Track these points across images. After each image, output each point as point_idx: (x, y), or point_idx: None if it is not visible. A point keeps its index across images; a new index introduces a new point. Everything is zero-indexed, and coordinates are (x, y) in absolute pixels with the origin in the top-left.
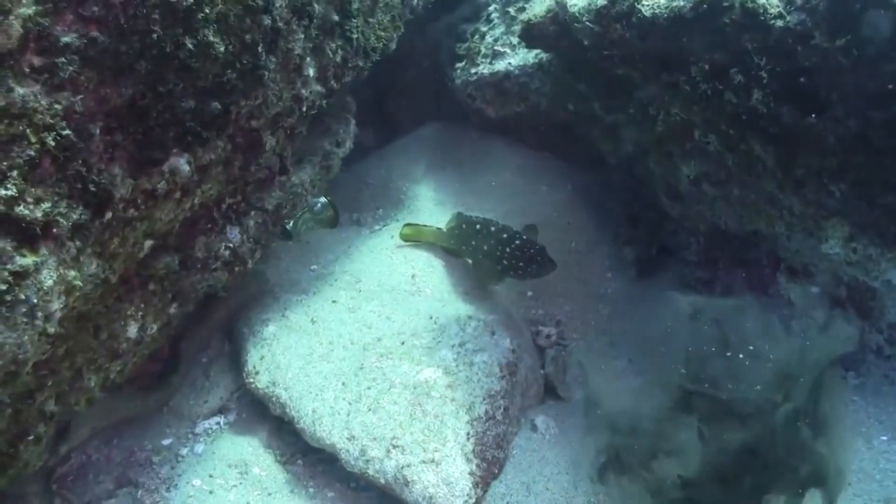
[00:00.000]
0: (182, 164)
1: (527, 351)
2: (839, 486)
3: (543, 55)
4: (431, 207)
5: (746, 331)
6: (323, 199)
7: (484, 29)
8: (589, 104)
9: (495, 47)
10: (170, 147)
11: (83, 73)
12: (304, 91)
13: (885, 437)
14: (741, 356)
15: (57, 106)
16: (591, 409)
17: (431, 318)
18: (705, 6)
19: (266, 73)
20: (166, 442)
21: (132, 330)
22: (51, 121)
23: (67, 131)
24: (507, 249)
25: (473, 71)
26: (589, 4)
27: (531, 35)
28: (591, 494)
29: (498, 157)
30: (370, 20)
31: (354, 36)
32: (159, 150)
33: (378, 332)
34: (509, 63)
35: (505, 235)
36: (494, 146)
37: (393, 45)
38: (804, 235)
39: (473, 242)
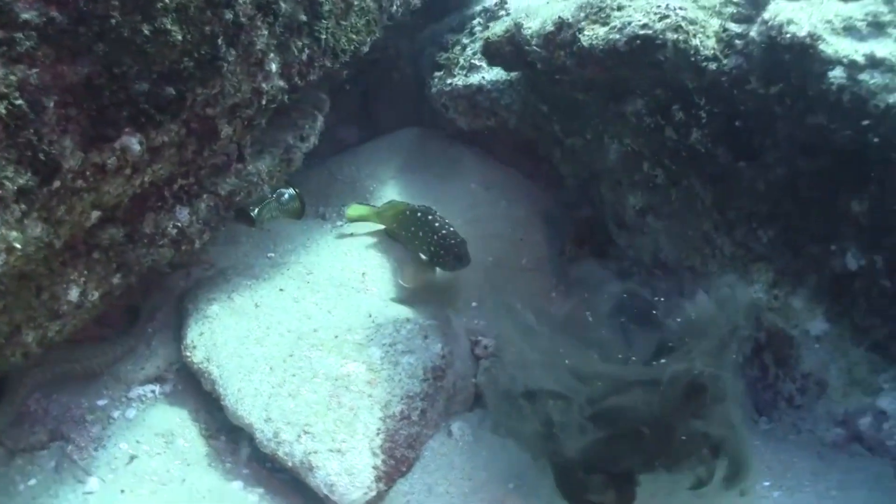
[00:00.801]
0: (133, 143)
1: (460, 358)
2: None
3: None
4: None
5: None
6: (291, 191)
7: (465, 41)
8: (551, 125)
9: (472, 60)
10: (122, 126)
11: (41, 49)
12: (264, 85)
13: (767, 483)
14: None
15: (12, 77)
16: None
17: (370, 316)
18: (639, 42)
19: (225, 64)
20: (101, 402)
21: (73, 294)
22: (5, 90)
23: (20, 101)
24: (435, 237)
25: (449, 81)
26: (540, 28)
27: (490, 53)
28: (487, 502)
29: (465, 167)
30: (342, 23)
31: (323, 36)
32: (111, 128)
33: (315, 324)
34: (483, 77)
35: (436, 224)
36: (463, 156)
37: (366, 48)
38: (734, 277)
39: (412, 229)
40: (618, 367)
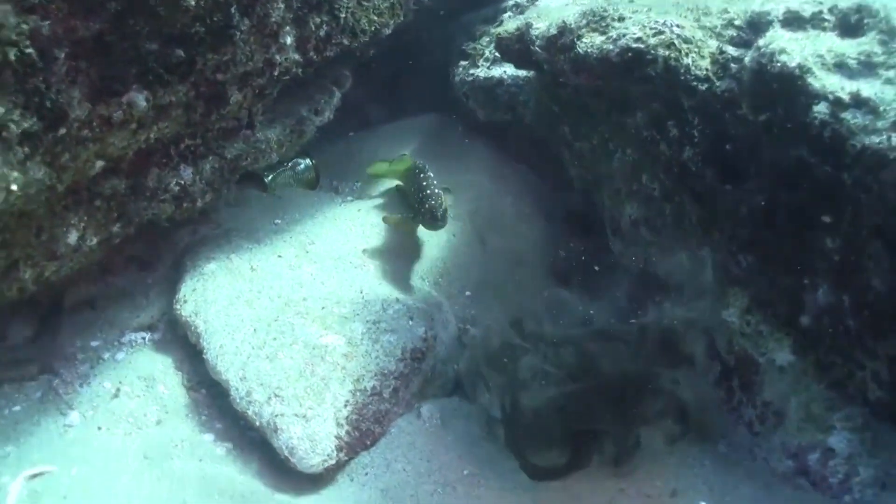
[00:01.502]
0: (140, 99)
1: (445, 344)
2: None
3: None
4: None
5: None
6: (308, 161)
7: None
8: (561, 126)
9: (496, 53)
10: (130, 82)
11: (54, 2)
12: (278, 57)
13: None
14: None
15: (24, 26)
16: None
17: (361, 292)
18: (630, 55)
19: (237, 33)
20: (94, 343)
21: (72, 237)
22: (15, 38)
23: (31, 50)
24: (420, 195)
25: (472, 72)
26: (546, 30)
27: (501, 49)
28: (440, 484)
29: (478, 158)
30: (364, 3)
31: (342, 15)
32: (119, 83)
33: (306, 293)
34: (505, 71)
35: (424, 183)
36: (477, 147)
37: (388, 31)
38: (712, 298)
39: (408, 183)
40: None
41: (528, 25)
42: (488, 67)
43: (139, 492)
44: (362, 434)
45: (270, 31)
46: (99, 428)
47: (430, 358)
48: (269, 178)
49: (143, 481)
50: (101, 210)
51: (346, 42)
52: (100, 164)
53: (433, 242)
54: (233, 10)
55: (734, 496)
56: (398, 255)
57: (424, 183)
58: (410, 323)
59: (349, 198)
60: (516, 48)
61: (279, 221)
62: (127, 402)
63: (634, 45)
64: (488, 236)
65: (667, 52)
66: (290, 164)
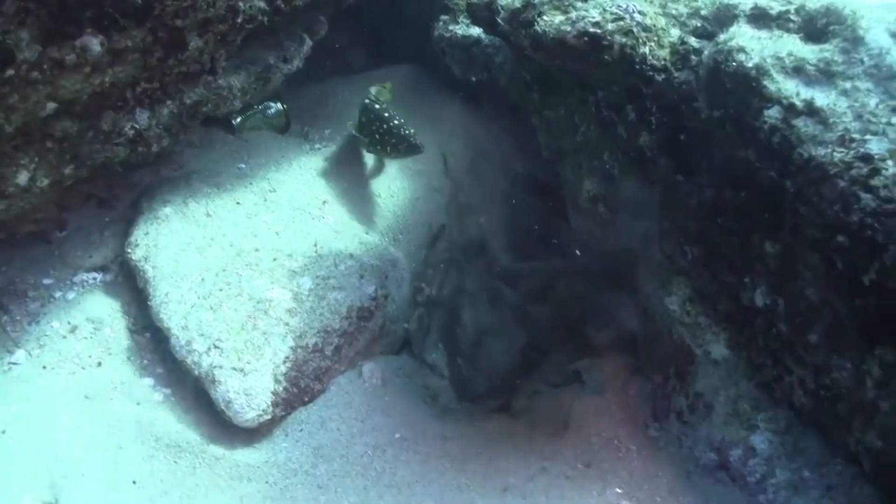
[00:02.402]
0: (94, 43)
1: (396, 303)
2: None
3: None
4: None
5: None
6: (279, 106)
7: None
8: (532, 93)
9: None
10: (84, 26)
11: None
12: (241, 4)
13: (619, 490)
14: None
15: None
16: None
17: (316, 245)
18: (586, 39)
19: None
20: (47, 282)
21: (22, 178)
22: None
23: None
24: (380, 124)
25: (451, 28)
26: (511, 2)
27: (471, 13)
28: (370, 446)
29: (450, 115)
30: None
31: None
32: (73, 27)
33: (259, 243)
34: (483, 31)
35: (386, 115)
36: (452, 104)
37: None
38: (657, 285)
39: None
40: None
41: None
42: (468, 25)
43: (78, 432)
44: (301, 390)
45: None
46: (44, 367)
47: (379, 317)
48: (238, 120)
49: (83, 421)
50: (53, 152)
51: None
52: (52, 106)
53: (396, 197)
54: None
55: (652, 485)
56: (359, 209)
57: (386, 115)
58: (361, 281)
59: (317, 145)
60: (484, 15)
61: (243, 166)
62: (74, 343)
63: (591, 30)
64: (453, 195)
65: (623, 40)
66: (260, 108)
